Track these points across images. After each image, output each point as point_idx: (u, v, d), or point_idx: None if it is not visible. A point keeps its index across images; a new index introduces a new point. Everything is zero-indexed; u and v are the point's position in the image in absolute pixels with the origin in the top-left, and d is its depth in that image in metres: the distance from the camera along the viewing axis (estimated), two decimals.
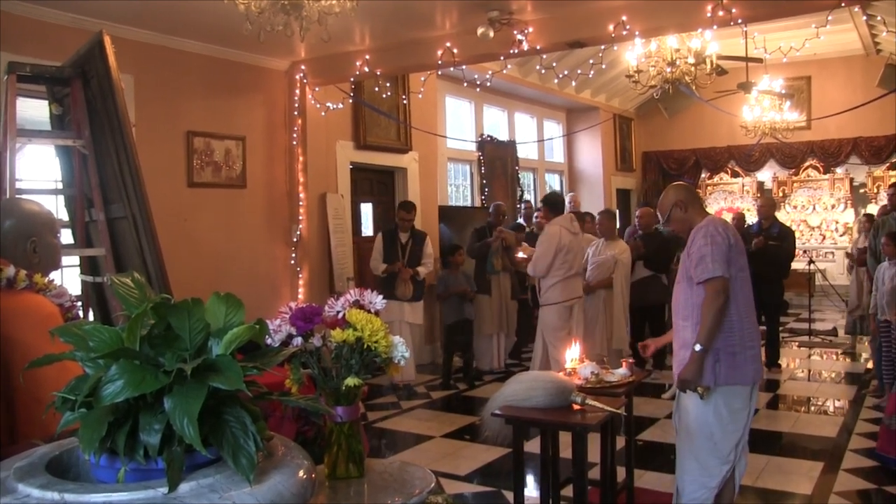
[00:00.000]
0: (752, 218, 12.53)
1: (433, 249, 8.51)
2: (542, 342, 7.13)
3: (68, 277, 5.26)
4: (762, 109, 12.03)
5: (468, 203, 11.63)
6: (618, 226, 13.67)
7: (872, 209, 12.85)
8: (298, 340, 2.02)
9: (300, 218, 8.18)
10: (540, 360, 7.21)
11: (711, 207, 15.85)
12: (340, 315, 2.07)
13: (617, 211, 14.53)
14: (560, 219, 7.16)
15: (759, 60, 10.17)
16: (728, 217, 13.95)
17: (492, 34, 6.67)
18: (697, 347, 3.47)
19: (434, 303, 9.03)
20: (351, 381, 2.02)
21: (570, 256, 7.10)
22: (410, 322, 8.00)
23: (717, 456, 3.57)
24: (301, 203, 8.17)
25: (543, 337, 7.17)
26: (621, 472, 4.48)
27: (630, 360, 4.35)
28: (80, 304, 4.37)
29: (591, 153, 14.30)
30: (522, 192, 12.39)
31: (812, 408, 7.28)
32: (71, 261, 4.92)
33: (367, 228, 9.53)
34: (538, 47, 6.92)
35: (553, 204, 7.35)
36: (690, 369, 3.50)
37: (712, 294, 3.48)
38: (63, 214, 4.96)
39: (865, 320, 9.17)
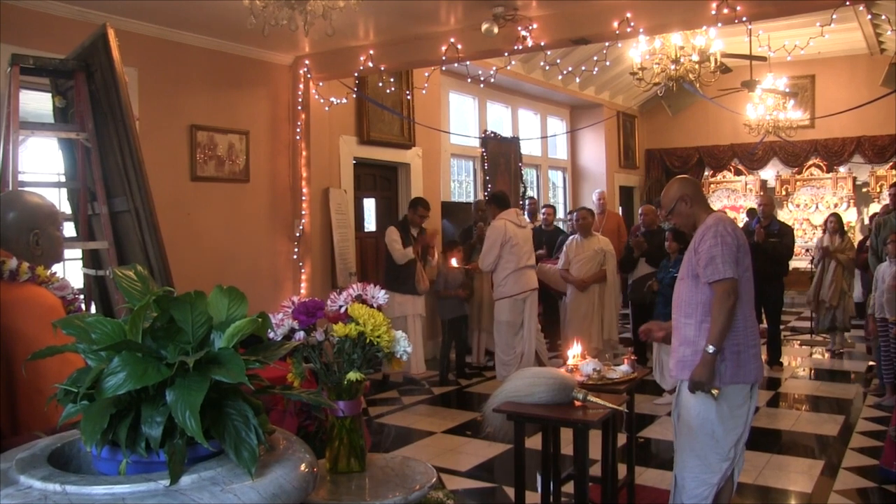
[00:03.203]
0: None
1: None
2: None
3: (71, 270, 5.27)
4: (766, 108, 12.02)
5: (471, 199, 11.61)
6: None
7: (875, 208, 12.85)
8: (301, 335, 2.03)
9: (303, 213, 8.18)
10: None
11: (714, 206, 15.83)
12: (343, 310, 2.08)
13: (620, 208, 14.55)
14: (505, 213, 7.56)
15: (764, 59, 10.15)
16: (740, 215, 13.96)
17: (496, 30, 6.66)
18: (710, 349, 3.44)
19: (433, 297, 9.03)
20: (353, 375, 2.02)
21: (517, 249, 7.38)
22: (421, 314, 8.06)
23: (717, 452, 3.57)
24: (304, 198, 8.17)
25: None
26: (622, 469, 4.48)
27: (632, 357, 4.35)
28: (82, 297, 4.39)
29: (595, 150, 14.29)
30: (525, 188, 12.39)
31: (813, 406, 7.28)
32: (73, 254, 4.93)
33: (370, 224, 9.54)
34: (542, 44, 6.90)
35: (497, 200, 7.82)
36: (703, 371, 3.46)
37: (723, 295, 3.46)
38: (66, 207, 4.97)
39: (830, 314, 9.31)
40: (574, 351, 4.29)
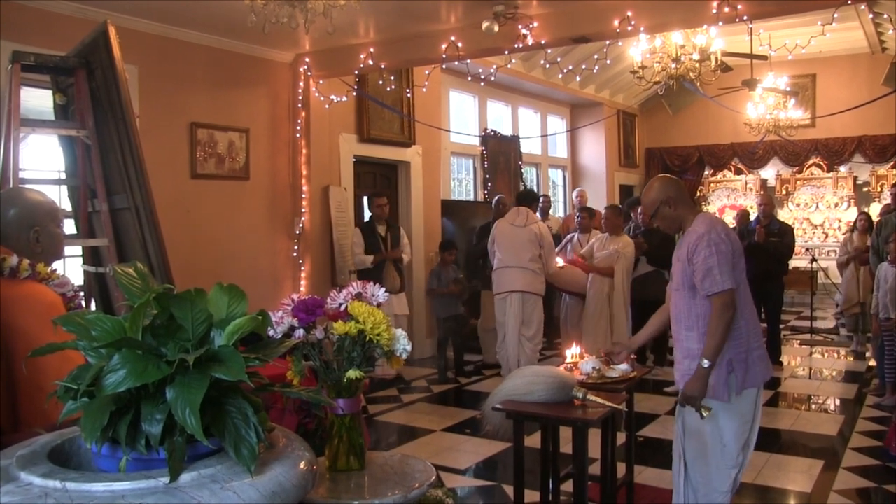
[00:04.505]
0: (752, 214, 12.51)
1: (431, 243, 8.55)
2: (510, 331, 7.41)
3: (71, 268, 5.27)
4: (766, 107, 12.00)
5: (471, 198, 11.62)
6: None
7: (875, 208, 12.84)
8: (300, 332, 2.03)
9: (303, 210, 8.18)
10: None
11: (714, 205, 15.84)
12: (343, 307, 2.08)
13: (621, 207, 14.53)
14: (510, 211, 7.67)
15: (764, 57, 10.14)
16: (730, 214, 13.96)
17: (496, 28, 6.66)
18: (706, 363, 3.34)
19: (428, 296, 9.04)
20: (352, 373, 2.02)
21: (501, 248, 7.39)
22: (398, 314, 8.01)
23: (726, 458, 3.49)
24: (304, 196, 8.18)
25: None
26: (621, 468, 4.48)
27: (632, 356, 4.34)
28: (82, 294, 4.38)
29: (595, 149, 14.28)
30: (525, 186, 12.37)
31: (813, 406, 7.28)
32: (74, 251, 4.93)
33: None
34: (543, 42, 6.90)
35: (517, 198, 8.02)
36: (696, 386, 3.36)
37: (721, 308, 3.36)
38: (66, 204, 4.97)
39: (866, 317, 9.18)
40: (573, 351, 4.31)
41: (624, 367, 4.09)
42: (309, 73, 8.16)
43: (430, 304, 8.86)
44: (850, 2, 6.09)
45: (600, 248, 7.86)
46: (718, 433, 3.47)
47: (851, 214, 14.63)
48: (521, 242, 7.30)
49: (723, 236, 3.44)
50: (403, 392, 7.73)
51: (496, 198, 9.18)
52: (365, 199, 9.44)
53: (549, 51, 7.57)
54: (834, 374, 8.64)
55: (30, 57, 4.49)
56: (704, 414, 3.36)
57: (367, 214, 9.49)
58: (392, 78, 8.77)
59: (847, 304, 9.48)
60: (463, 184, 11.72)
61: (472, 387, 8.05)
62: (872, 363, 8.19)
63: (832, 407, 7.14)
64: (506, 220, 7.53)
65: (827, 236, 15.01)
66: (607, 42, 7.69)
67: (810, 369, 8.97)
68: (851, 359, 9.33)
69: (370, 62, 7.57)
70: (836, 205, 14.93)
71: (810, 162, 14.90)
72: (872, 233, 8.39)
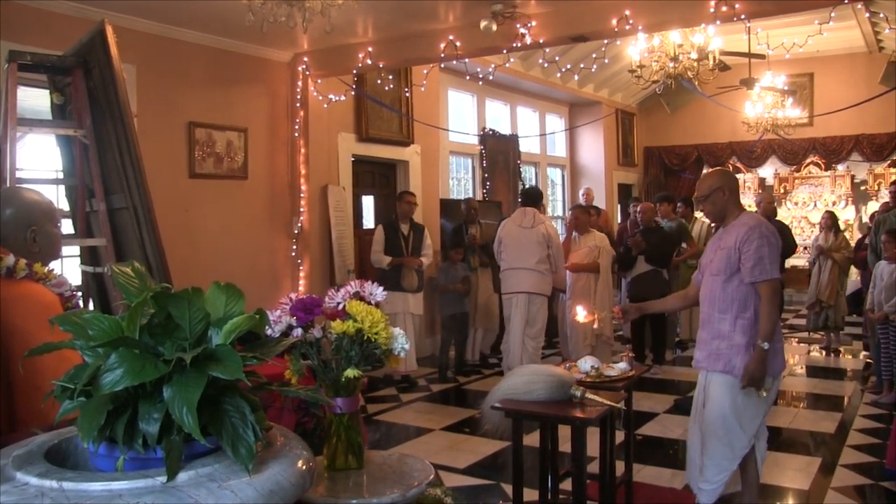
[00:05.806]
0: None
1: (432, 242, 8.49)
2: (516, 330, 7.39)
3: (68, 267, 5.26)
4: (764, 105, 12.01)
5: (470, 197, 11.60)
6: (619, 220, 13.81)
7: (873, 206, 12.86)
8: (298, 331, 2.03)
9: (301, 210, 8.17)
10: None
11: None
12: (341, 306, 2.08)
13: (619, 206, 14.56)
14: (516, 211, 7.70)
15: (762, 56, 10.15)
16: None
17: (495, 27, 6.65)
18: (765, 345, 3.64)
19: (432, 294, 9.03)
20: (350, 372, 2.02)
21: (507, 248, 7.39)
22: (413, 313, 8.02)
23: (741, 440, 3.78)
24: (302, 195, 8.17)
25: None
26: (620, 467, 4.48)
27: (630, 355, 4.37)
28: (79, 294, 4.37)
29: (594, 148, 14.29)
30: (524, 186, 12.37)
31: (810, 404, 7.29)
32: (71, 251, 4.92)
33: (369, 221, 9.53)
34: (541, 41, 6.90)
35: (522, 198, 8.11)
36: (759, 367, 3.64)
37: (770, 294, 3.69)
38: (64, 204, 4.95)
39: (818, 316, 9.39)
40: (581, 315, 4.43)
41: (622, 365, 4.13)
42: (307, 73, 8.15)
43: (434, 302, 8.84)
44: (846, 1, 6.08)
45: (576, 247, 7.86)
46: (739, 415, 3.75)
47: (850, 213, 14.65)
48: (527, 244, 7.23)
49: (771, 230, 3.80)
50: (402, 391, 7.73)
51: (465, 199, 9.18)
52: (370, 197, 9.49)
53: (547, 50, 7.57)
54: (831, 371, 8.64)
55: (27, 56, 4.48)
56: (764, 394, 3.71)
57: (366, 214, 9.51)
58: (390, 77, 8.76)
59: (808, 302, 9.78)
60: (462, 183, 11.71)
61: (471, 385, 8.05)
62: (870, 360, 8.20)
63: (829, 405, 7.14)
64: (512, 221, 7.48)
65: None
66: (605, 41, 7.68)
67: (808, 367, 8.98)
68: (850, 357, 9.35)
69: (368, 61, 7.56)
70: (834, 203, 14.91)
71: (808, 161, 14.91)
72: (871, 231, 8.41)
